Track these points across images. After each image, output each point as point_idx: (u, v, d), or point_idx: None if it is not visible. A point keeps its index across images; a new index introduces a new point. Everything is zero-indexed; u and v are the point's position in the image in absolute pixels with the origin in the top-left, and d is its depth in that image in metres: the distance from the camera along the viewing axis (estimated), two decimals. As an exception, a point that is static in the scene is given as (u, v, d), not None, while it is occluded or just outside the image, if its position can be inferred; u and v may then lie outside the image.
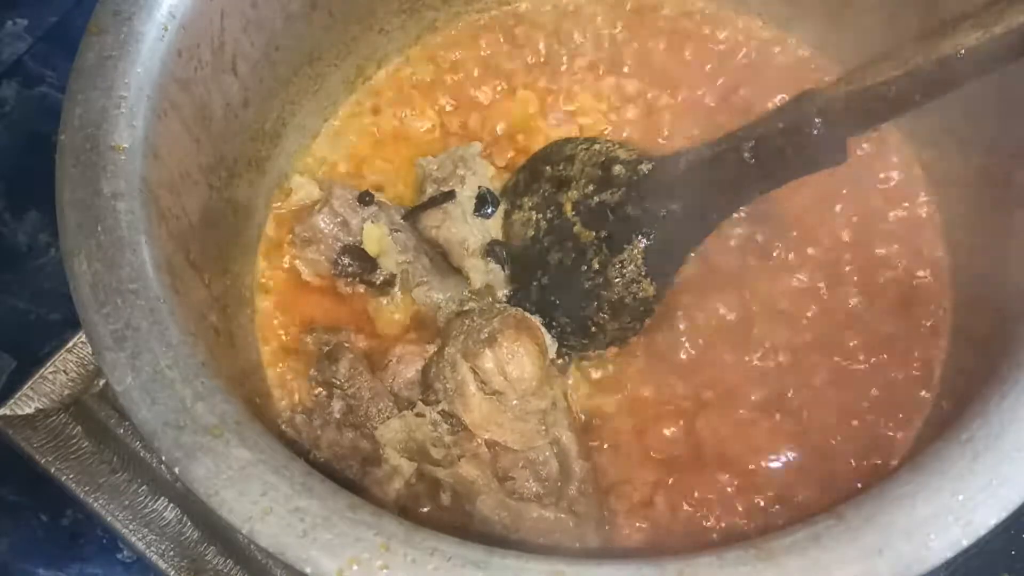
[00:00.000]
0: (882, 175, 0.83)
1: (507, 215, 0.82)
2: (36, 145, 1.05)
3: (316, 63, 0.85)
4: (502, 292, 0.81)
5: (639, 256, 0.74)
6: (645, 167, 0.75)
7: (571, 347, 0.78)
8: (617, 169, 0.77)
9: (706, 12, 0.91)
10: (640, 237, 0.74)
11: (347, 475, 0.71)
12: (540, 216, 0.80)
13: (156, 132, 0.66)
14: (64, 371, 0.85)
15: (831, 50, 0.88)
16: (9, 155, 1.06)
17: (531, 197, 0.81)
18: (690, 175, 0.72)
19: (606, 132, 0.87)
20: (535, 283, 0.79)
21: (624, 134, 0.86)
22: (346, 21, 0.85)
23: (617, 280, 0.75)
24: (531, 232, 0.80)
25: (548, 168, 0.82)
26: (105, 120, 0.64)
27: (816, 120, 0.63)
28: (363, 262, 0.80)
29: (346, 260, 0.80)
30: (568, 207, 0.79)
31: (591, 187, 0.78)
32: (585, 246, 0.77)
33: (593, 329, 0.77)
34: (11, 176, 1.05)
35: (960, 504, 0.52)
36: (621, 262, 0.75)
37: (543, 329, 0.75)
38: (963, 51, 0.56)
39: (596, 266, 0.76)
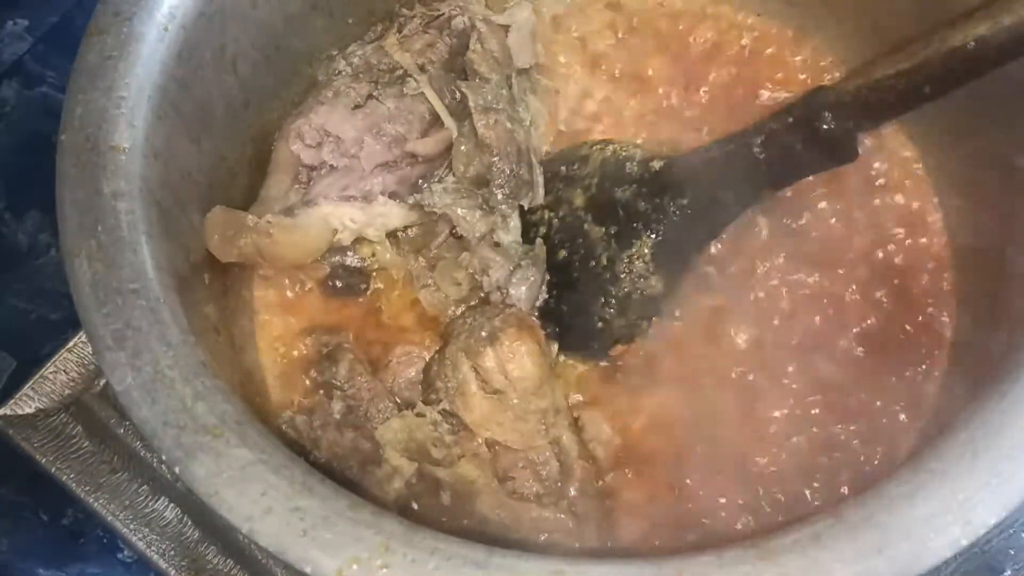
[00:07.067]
0: (885, 173, 0.83)
1: (522, 214, 0.82)
2: (36, 145, 1.05)
3: (316, 63, 0.85)
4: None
5: (647, 252, 0.74)
6: (656, 164, 0.76)
7: (576, 346, 0.78)
8: (629, 167, 0.77)
9: (707, 11, 0.91)
10: (649, 233, 0.74)
11: (347, 475, 0.71)
12: (552, 215, 0.80)
13: (156, 132, 0.66)
14: (64, 371, 0.85)
15: (832, 45, 0.88)
16: (9, 155, 1.06)
17: (546, 196, 0.81)
18: (701, 172, 0.72)
19: (618, 134, 0.87)
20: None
21: (635, 135, 0.86)
22: (346, 21, 0.85)
23: (624, 275, 0.75)
24: (543, 230, 0.80)
25: (563, 168, 0.82)
26: (105, 120, 0.64)
27: (826, 114, 0.63)
28: (353, 280, 0.81)
29: (337, 283, 0.81)
30: (579, 204, 0.79)
31: (603, 184, 0.78)
32: (594, 242, 0.77)
33: (600, 325, 0.77)
34: (11, 176, 1.05)
35: (960, 503, 0.52)
36: (629, 257, 0.75)
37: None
38: (972, 43, 0.57)
39: (604, 261, 0.76)
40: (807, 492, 0.72)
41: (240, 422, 0.57)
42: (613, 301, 0.76)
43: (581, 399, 0.77)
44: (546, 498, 0.69)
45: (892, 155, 0.84)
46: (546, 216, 0.81)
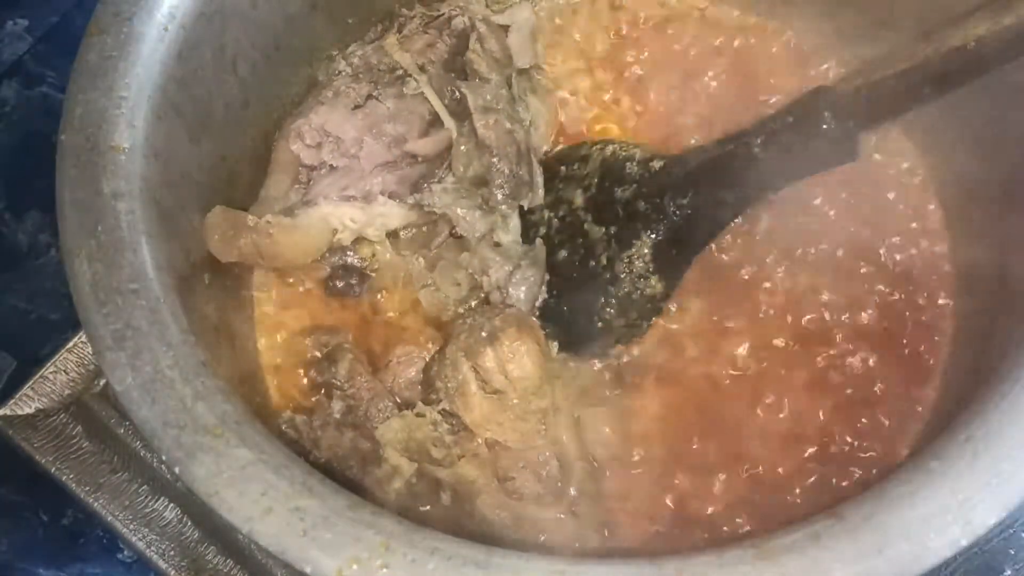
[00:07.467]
0: (884, 173, 0.83)
1: (522, 214, 0.82)
2: (36, 145, 1.05)
3: (316, 63, 0.85)
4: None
5: (647, 252, 0.74)
6: (656, 164, 0.76)
7: (576, 346, 0.78)
8: (629, 167, 0.77)
9: (707, 12, 0.91)
10: (649, 233, 0.74)
11: (347, 475, 0.71)
12: (552, 215, 0.81)
13: (156, 132, 0.66)
14: (64, 371, 0.85)
15: (832, 45, 0.87)
16: (9, 155, 1.06)
17: (545, 196, 0.81)
18: (701, 172, 0.72)
19: (617, 134, 0.87)
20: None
21: (635, 135, 0.86)
22: (346, 21, 0.85)
23: (624, 275, 0.75)
24: (543, 230, 0.80)
25: (563, 168, 0.82)
26: (105, 120, 0.64)
27: (826, 114, 0.63)
28: (353, 280, 0.81)
29: (337, 283, 0.81)
30: (579, 204, 0.79)
31: (603, 184, 0.78)
32: (594, 242, 0.77)
33: (599, 325, 0.77)
34: (11, 176, 1.05)
35: (959, 503, 0.52)
36: (629, 257, 0.75)
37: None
38: (973, 42, 0.57)
39: (604, 261, 0.76)
40: (807, 492, 0.72)
41: (240, 422, 0.57)
42: (613, 301, 0.76)
43: (581, 399, 0.77)
44: (546, 498, 0.69)
45: (892, 155, 0.84)
46: (546, 216, 0.81)
